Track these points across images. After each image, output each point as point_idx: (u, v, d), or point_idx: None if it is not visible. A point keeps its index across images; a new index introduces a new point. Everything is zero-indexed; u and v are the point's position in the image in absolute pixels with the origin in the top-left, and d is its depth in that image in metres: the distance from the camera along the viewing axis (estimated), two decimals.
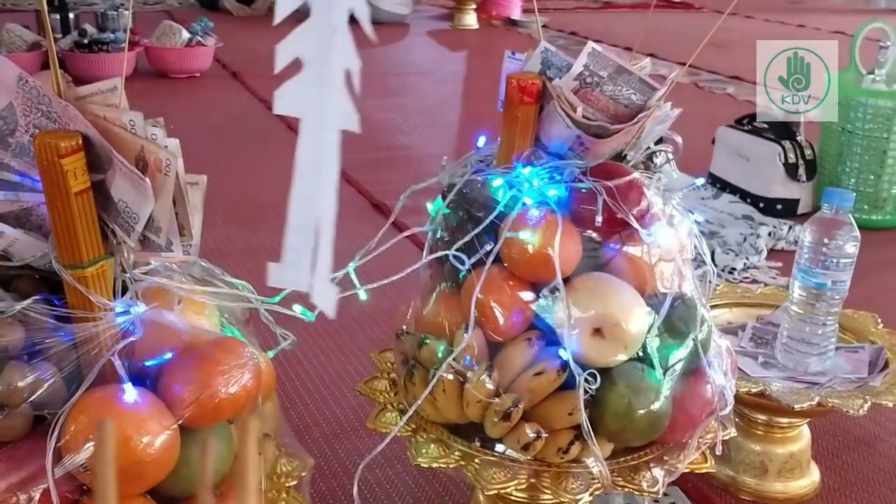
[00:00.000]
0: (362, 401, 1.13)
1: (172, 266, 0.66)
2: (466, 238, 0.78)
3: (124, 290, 0.62)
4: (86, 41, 2.87)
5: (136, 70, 2.99)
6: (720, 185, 2.11)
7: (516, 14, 4.69)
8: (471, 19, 4.57)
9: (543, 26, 4.62)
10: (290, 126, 2.49)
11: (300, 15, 0.33)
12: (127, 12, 3.10)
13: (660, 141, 0.89)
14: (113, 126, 0.55)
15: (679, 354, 0.77)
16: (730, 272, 1.68)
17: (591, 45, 0.79)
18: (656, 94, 0.81)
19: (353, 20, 0.34)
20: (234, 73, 3.13)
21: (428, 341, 0.79)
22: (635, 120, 0.80)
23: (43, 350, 0.58)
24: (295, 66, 0.34)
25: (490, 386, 0.75)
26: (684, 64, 3.10)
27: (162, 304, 0.62)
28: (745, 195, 2.04)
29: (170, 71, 2.99)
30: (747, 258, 1.72)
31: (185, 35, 3.00)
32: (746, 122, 2.09)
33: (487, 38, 4.47)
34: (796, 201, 2.00)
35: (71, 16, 3.12)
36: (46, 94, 0.56)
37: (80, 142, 0.55)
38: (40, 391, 0.57)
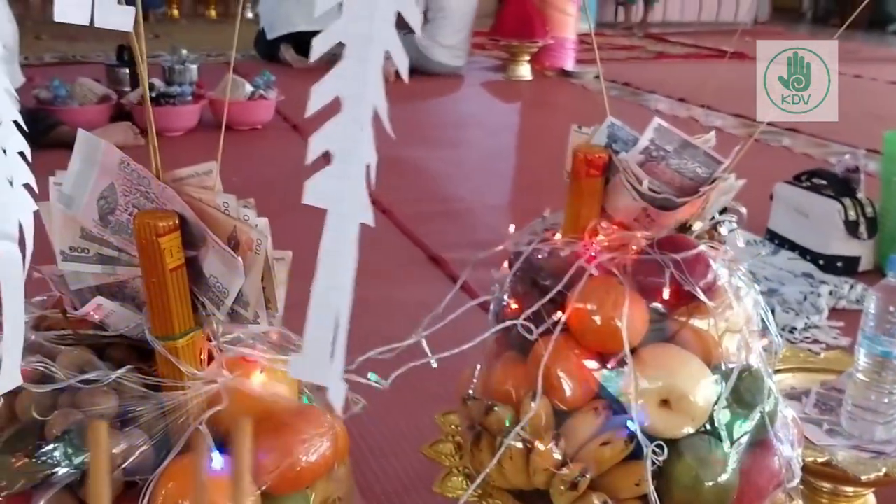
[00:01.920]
0: (423, 459, 1.14)
1: (253, 333, 0.69)
2: (534, 307, 0.79)
3: (210, 359, 0.65)
4: (153, 94, 2.97)
5: (200, 122, 3.09)
6: (779, 241, 2.10)
7: (570, 65, 4.73)
8: (524, 70, 4.62)
9: (596, 77, 4.66)
10: None
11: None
12: (193, 66, 3.21)
13: (724, 210, 0.90)
14: (208, 207, 0.59)
15: (746, 427, 0.78)
16: (790, 331, 1.67)
17: (657, 120, 0.81)
18: (721, 167, 0.83)
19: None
20: (294, 125, 3.21)
21: (496, 409, 0.80)
22: (700, 192, 0.81)
23: (135, 418, 0.61)
24: (325, 158, 0.36)
25: (557, 455, 0.76)
26: (738, 115, 3.08)
27: (245, 373, 0.65)
28: (804, 252, 2.03)
29: (233, 123, 3.08)
30: (808, 317, 1.71)
31: (249, 88, 3.09)
32: (805, 179, 2.08)
33: (541, 89, 4.52)
34: (857, 259, 1.98)
35: None
36: (146, 177, 0.60)
37: (177, 221, 0.58)
38: (132, 458, 0.59)
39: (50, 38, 5.38)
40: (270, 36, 4.57)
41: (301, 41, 4.58)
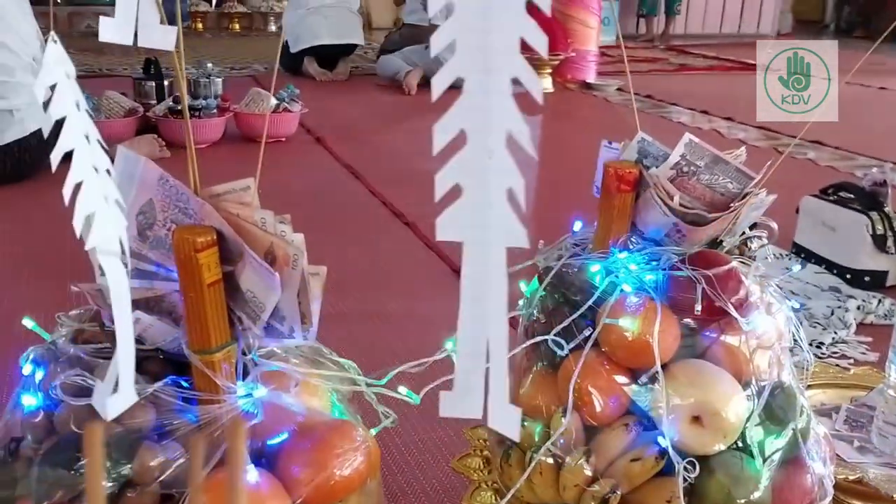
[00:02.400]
0: (448, 472, 1.14)
1: (287, 347, 0.70)
2: (565, 323, 0.80)
3: (245, 373, 0.66)
4: (179, 107, 3.00)
5: (225, 134, 3.11)
6: (805, 255, 2.08)
7: (591, 77, 4.73)
8: (546, 83, 4.62)
9: (618, 89, 4.66)
10: (373, 192, 2.55)
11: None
12: (218, 80, 3.24)
13: (754, 225, 0.90)
14: (245, 223, 0.60)
15: (778, 443, 0.77)
16: (817, 346, 1.65)
17: (687, 136, 0.81)
18: (752, 182, 0.83)
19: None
20: (317, 138, 3.23)
21: (525, 423, 0.81)
22: (732, 208, 0.81)
23: (171, 431, 0.62)
24: (453, 192, 0.37)
25: (587, 471, 0.76)
26: (762, 128, 3.04)
27: (280, 386, 0.66)
28: (830, 266, 2.01)
29: (257, 135, 3.10)
30: (836, 332, 1.69)
31: (273, 101, 3.11)
32: (832, 192, 2.07)
33: (563, 101, 4.52)
34: (885, 273, 1.96)
35: (165, 83, 3.27)
36: (184, 193, 0.61)
37: (215, 237, 0.59)
38: (169, 471, 0.60)
39: (76, 51, 5.45)
40: (294, 49, 4.59)
41: (324, 54, 4.61)
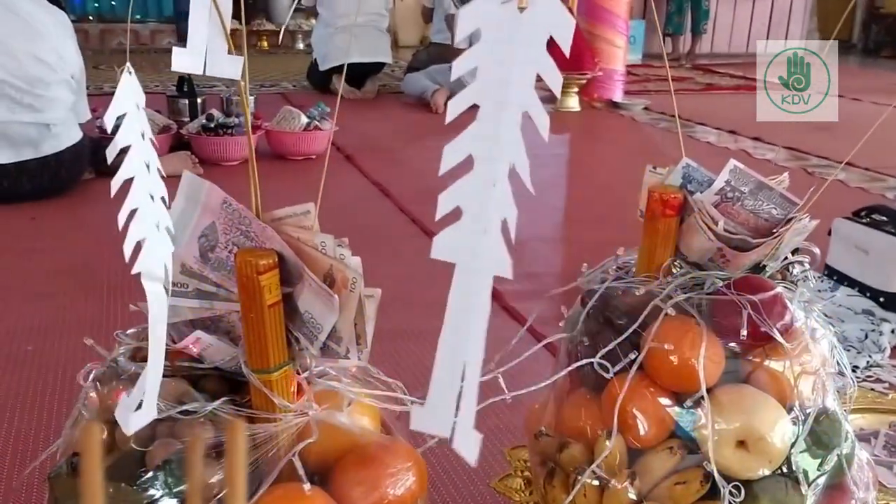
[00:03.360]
0: (488, 492, 1.15)
1: (339, 367, 0.71)
2: (610, 346, 0.80)
3: (299, 391, 0.67)
4: (212, 125, 3.04)
5: (256, 152, 3.14)
6: (837, 277, 2.07)
7: (618, 96, 4.74)
8: (573, 102, 4.64)
9: (644, 108, 4.66)
10: (403, 209, 2.57)
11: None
12: (251, 97, 3.28)
13: (795, 250, 0.91)
14: (305, 246, 0.61)
15: (823, 469, 0.78)
16: (852, 370, 1.65)
17: (732, 162, 0.82)
18: (796, 208, 0.83)
19: None
20: (347, 155, 3.25)
21: (570, 445, 0.81)
22: (776, 234, 0.82)
23: None
24: (454, 215, 0.38)
25: (632, 494, 0.77)
26: (789, 148, 3.04)
27: (333, 406, 0.67)
28: (864, 289, 2.00)
29: (288, 153, 3.14)
30: (870, 356, 1.68)
31: (304, 119, 3.14)
32: (864, 215, 2.06)
33: (590, 120, 4.53)
34: None
35: (198, 101, 3.32)
36: (247, 216, 0.62)
37: (276, 260, 0.61)
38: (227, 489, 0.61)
39: (108, 67, 5.53)
40: (323, 67, 4.64)
41: (352, 72, 4.65)
